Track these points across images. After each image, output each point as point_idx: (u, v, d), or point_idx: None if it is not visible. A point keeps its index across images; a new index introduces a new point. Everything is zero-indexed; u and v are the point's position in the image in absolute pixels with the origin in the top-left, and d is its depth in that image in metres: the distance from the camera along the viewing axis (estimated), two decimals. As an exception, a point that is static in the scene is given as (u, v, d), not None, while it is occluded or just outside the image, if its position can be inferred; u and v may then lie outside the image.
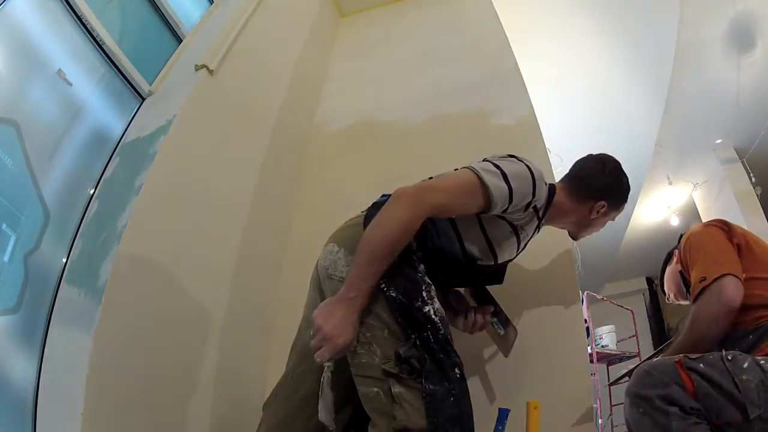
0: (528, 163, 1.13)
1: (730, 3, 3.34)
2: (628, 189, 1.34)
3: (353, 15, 3.06)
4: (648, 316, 6.72)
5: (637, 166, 4.53)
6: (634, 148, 4.35)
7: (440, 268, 1.14)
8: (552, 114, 3.51)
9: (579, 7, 3.34)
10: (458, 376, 0.97)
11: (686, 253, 1.27)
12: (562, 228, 1.40)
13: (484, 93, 2.13)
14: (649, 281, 6.95)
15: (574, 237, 1.40)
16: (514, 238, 1.19)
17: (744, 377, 0.95)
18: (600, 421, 4.12)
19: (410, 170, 1.48)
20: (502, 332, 1.33)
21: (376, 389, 0.97)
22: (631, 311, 5.10)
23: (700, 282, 1.14)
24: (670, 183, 4.83)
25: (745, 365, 0.97)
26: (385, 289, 1.01)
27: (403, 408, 0.94)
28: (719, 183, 4.66)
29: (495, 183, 1.05)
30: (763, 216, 4.26)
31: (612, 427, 4.34)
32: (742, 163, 4.54)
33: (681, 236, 1.44)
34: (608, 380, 4.32)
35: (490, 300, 1.35)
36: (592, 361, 3.96)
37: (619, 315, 5.05)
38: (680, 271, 1.36)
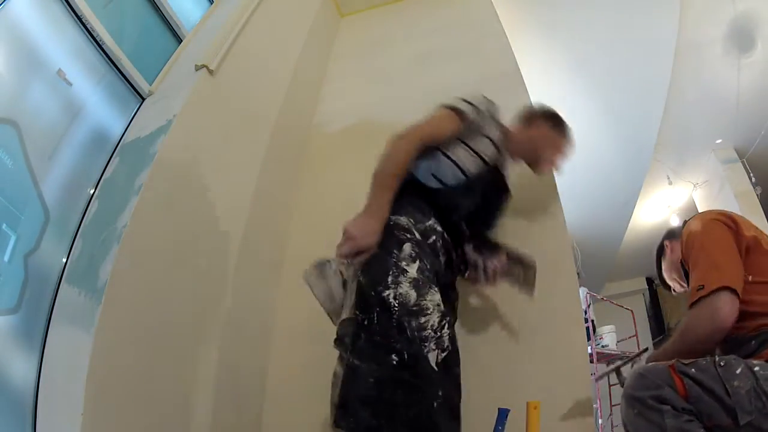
0: (482, 97, 1.45)
1: (730, 3, 3.34)
2: (564, 121, 1.55)
3: (353, 15, 3.06)
4: (648, 316, 6.72)
5: (637, 166, 4.53)
6: (634, 148, 4.35)
7: (455, 203, 1.31)
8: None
9: (579, 7, 3.33)
10: (395, 363, 0.96)
11: (688, 248, 1.22)
12: (523, 158, 1.53)
13: (484, 93, 2.12)
14: (649, 281, 6.95)
15: (534, 164, 1.53)
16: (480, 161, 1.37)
17: (735, 383, 0.95)
18: (600, 421, 4.11)
19: (410, 170, 1.48)
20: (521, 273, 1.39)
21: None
22: (631, 311, 5.09)
23: (698, 290, 1.12)
24: (670, 183, 4.83)
25: (738, 371, 0.97)
26: (359, 275, 1.08)
27: (336, 386, 0.98)
28: (719, 183, 4.66)
29: (462, 104, 1.37)
30: (763, 216, 4.26)
31: (612, 427, 4.34)
32: (742, 163, 4.54)
33: (669, 232, 1.48)
34: (608, 381, 4.32)
35: (498, 247, 1.42)
36: (592, 361, 3.96)
37: (619, 315, 5.05)
38: (681, 261, 1.32)
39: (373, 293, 1.03)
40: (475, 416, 1.06)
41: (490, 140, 1.39)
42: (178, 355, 1.37)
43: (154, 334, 1.28)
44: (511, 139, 1.49)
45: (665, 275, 1.50)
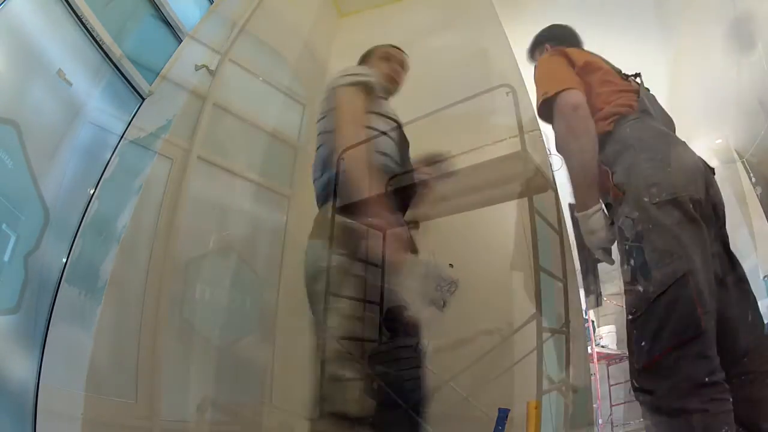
0: None
1: (730, 3, 3.34)
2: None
3: (353, 15, 3.06)
4: (648, 316, 6.70)
5: (637, 166, 4.52)
6: (634, 148, 4.35)
7: None
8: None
9: (578, 7, 3.33)
10: None
11: (536, 83, 1.36)
12: None
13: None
14: (649, 281, 6.93)
15: None
16: None
17: None
18: (600, 421, 4.11)
19: (410, 170, 1.48)
20: None
21: None
22: (631, 311, 5.08)
23: (542, 95, 1.22)
24: (670, 183, 4.82)
25: None
26: None
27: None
28: (719, 183, 4.66)
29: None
30: (763, 216, 4.25)
31: (612, 428, 4.34)
32: (742, 163, 4.54)
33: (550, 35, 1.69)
34: (608, 380, 4.31)
35: None
36: (592, 361, 3.96)
37: (619, 315, 5.05)
38: None
39: None
40: (474, 416, 1.06)
41: None
42: (178, 355, 1.37)
43: (153, 335, 1.28)
44: None
45: None
